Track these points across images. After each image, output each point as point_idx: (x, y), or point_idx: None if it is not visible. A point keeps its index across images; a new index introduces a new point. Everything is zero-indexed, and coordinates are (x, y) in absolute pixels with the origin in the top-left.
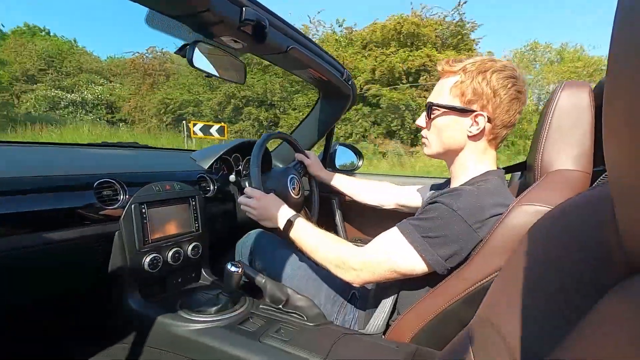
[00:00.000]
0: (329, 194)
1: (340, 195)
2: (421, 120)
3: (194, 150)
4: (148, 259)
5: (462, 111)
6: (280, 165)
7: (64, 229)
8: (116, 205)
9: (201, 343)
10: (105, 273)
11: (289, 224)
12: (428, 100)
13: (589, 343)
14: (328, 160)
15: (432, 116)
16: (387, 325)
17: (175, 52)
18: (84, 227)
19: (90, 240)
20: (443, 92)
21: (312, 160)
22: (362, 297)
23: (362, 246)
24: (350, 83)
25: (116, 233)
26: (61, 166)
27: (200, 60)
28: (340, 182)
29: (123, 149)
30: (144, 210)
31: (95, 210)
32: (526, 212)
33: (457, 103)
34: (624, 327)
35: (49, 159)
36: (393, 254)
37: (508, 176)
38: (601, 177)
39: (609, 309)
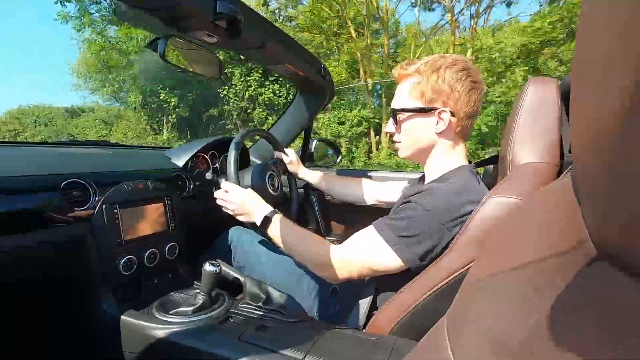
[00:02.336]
0: (308, 190)
1: (319, 191)
2: (390, 127)
3: (168, 148)
4: (122, 261)
5: (426, 111)
6: (258, 162)
7: (29, 232)
8: (86, 207)
9: (179, 344)
10: (77, 277)
11: (267, 220)
12: (391, 106)
13: (554, 329)
14: (307, 156)
15: (399, 121)
16: (368, 318)
17: (145, 46)
18: (51, 230)
19: (58, 243)
20: (404, 96)
21: (291, 157)
22: (342, 291)
23: (340, 242)
24: (327, 78)
25: (87, 235)
26: (25, 166)
27: (173, 54)
28: (319, 179)
29: (93, 147)
30: (116, 211)
31: (63, 212)
32: (498, 204)
33: (419, 104)
34: (585, 312)
35: (11, 158)
36: (370, 253)
37: (482, 169)
38: (568, 169)
39: (573, 295)
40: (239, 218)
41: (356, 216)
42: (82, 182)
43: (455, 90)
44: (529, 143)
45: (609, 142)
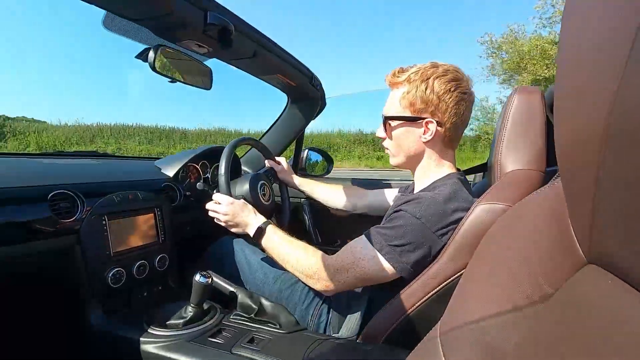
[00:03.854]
0: (300, 199)
1: (311, 199)
2: (380, 132)
3: (157, 158)
4: (111, 273)
5: (413, 120)
6: (250, 172)
7: (16, 244)
8: (73, 218)
9: (170, 358)
10: (64, 289)
11: (259, 231)
12: (382, 112)
13: (546, 336)
14: (299, 165)
15: (388, 128)
16: (361, 328)
17: (136, 57)
18: (37, 242)
19: (45, 255)
20: (394, 104)
21: (283, 166)
22: (335, 299)
23: (332, 252)
24: (318, 88)
25: (75, 247)
26: (11, 177)
27: (163, 65)
28: (311, 188)
29: (81, 159)
30: (104, 222)
31: (50, 224)
32: (487, 211)
33: (408, 113)
34: (575, 317)
35: None
36: (362, 263)
37: (471, 177)
38: (555, 177)
39: (563, 301)
40: (231, 229)
41: (347, 224)
42: (70, 193)
43: (443, 101)
44: (516, 151)
45: (590, 152)
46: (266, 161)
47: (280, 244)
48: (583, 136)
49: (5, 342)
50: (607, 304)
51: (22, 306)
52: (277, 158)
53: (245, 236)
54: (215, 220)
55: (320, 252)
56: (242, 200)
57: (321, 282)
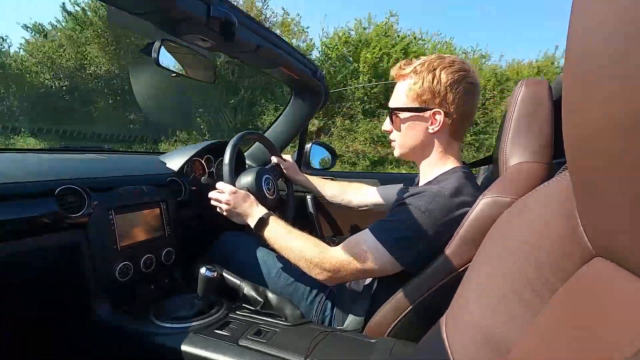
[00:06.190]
0: (304, 192)
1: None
2: (386, 125)
3: (163, 153)
4: (118, 267)
5: (420, 111)
6: (255, 166)
7: (24, 239)
8: (81, 213)
9: (178, 350)
10: (72, 284)
11: (262, 221)
12: (389, 104)
13: (552, 324)
14: (302, 160)
15: (395, 120)
16: (366, 321)
17: (140, 51)
18: (45, 237)
19: (53, 250)
20: (400, 96)
21: (289, 163)
22: (339, 294)
23: (335, 244)
24: (322, 81)
25: (82, 241)
26: (19, 172)
27: (167, 59)
28: (318, 186)
29: (87, 153)
30: (111, 217)
31: (58, 219)
32: (492, 204)
33: (415, 104)
34: (585, 308)
35: (5, 164)
36: (365, 255)
37: (476, 170)
38: (562, 169)
39: (572, 292)
40: (233, 219)
41: (351, 217)
42: (77, 188)
43: (450, 92)
44: (522, 143)
45: (599, 144)
46: (272, 157)
47: (282, 235)
48: (593, 128)
49: (12, 338)
50: (614, 296)
51: (29, 301)
52: (283, 155)
53: (246, 227)
54: (217, 209)
55: (323, 244)
56: (246, 191)
57: (324, 273)
